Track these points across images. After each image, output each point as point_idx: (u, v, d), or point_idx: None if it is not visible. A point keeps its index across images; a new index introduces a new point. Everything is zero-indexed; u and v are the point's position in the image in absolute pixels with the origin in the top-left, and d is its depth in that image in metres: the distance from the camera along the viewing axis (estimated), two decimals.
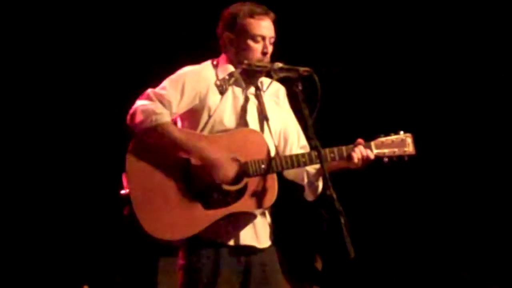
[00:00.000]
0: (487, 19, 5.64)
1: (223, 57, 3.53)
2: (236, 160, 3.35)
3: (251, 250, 3.44)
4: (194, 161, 3.32)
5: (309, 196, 3.58)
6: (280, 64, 3.37)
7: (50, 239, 5.36)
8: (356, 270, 5.29)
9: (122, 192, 3.34)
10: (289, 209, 3.55)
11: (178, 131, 3.35)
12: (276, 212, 3.52)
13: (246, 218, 3.41)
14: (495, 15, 5.62)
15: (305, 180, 3.56)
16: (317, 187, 3.54)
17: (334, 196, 3.07)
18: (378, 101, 5.72)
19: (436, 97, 5.77)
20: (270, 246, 3.51)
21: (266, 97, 3.54)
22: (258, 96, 3.51)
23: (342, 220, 3.00)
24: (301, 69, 3.29)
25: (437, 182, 5.72)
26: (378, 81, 5.75)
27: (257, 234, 3.45)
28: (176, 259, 4.71)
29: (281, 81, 3.48)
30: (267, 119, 3.48)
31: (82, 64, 5.41)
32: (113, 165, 3.59)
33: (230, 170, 3.33)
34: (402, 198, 5.74)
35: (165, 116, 3.32)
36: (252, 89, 3.52)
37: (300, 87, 3.27)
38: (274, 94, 3.60)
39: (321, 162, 3.22)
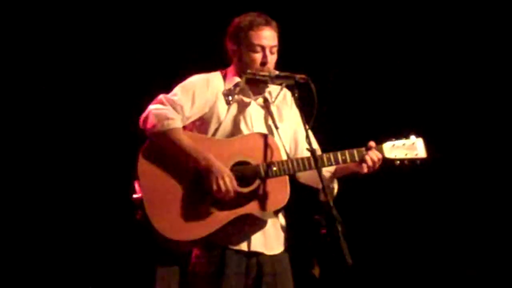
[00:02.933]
0: (484, 20, 5.64)
1: (231, 68, 3.56)
2: (247, 163, 3.39)
3: (261, 257, 3.45)
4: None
5: (323, 198, 3.57)
6: (276, 72, 3.40)
7: (48, 246, 5.34)
8: (354, 278, 5.27)
9: (134, 196, 3.34)
10: (286, 217, 3.54)
11: (187, 139, 3.37)
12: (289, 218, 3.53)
13: (256, 224, 3.44)
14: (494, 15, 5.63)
15: (321, 183, 3.57)
16: (333, 189, 3.56)
17: (331, 203, 3.07)
18: (383, 105, 5.71)
19: (438, 99, 5.76)
20: (281, 253, 3.53)
21: (274, 106, 3.57)
22: (267, 107, 3.54)
23: (339, 228, 2.99)
24: (298, 76, 3.31)
25: (434, 191, 5.70)
26: (383, 83, 5.74)
27: (266, 240, 3.48)
28: (174, 268, 4.71)
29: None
30: (276, 128, 3.51)
31: (93, 71, 5.40)
32: (117, 174, 3.61)
33: (230, 181, 3.33)
34: (400, 205, 5.73)
35: (176, 122, 3.35)
36: (260, 100, 3.55)
37: (296, 94, 3.30)
38: (283, 100, 3.63)
39: (318, 169, 3.22)
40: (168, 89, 3.51)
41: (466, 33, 5.66)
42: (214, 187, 3.30)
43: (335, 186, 3.58)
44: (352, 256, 2.98)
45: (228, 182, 3.31)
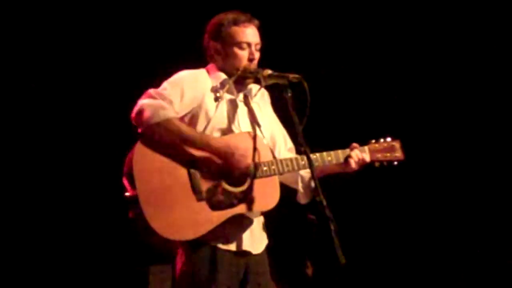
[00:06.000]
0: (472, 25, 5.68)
1: (211, 66, 3.54)
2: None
3: (247, 256, 3.46)
4: (201, 158, 3.33)
5: (302, 199, 3.63)
6: (269, 71, 3.39)
7: (39, 245, 5.33)
8: (347, 277, 5.29)
9: (127, 194, 3.30)
10: (279, 215, 3.54)
11: (185, 125, 3.36)
12: (268, 218, 3.53)
13: (245, 224, 3.44)
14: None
15: (300, 184, 3.61)
16: (312, 190, 3.56)
17: (324, 202, 3.06)
18: (361, 105, 5.74)
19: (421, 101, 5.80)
20: (263, 252, 3.53)
21: (254, 103, 3.57)
22: (247, 103, 3.53)
23: (332, 227, 3.00)
24: (291, 75, 3.30)
25: (426, 189, 5.72)
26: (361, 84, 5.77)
27: (253, 240, 3.48)
28: (167, 267, 4.70)
29: (270, 87, 3.48)
30: (259, 126, 3.50)
31: (80, 70, 5.41)
32: (107, 172, 3.59)
33: (243, 156, 3.34)
34: (392, 204, 5.75)
35: (171, 112, 3.33)
36: (240, 96, 3.54)
37: (289, 94, 3.27)
38: (261, 98, 3.63)
39: (311, 168, 3.21)
40: (153, 86, 3.47)
41: (445, 38, 5.71)
42: (235, 163, 3.32)
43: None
44: (345, 255, 2.98)
45: (243, 155, 3.33)
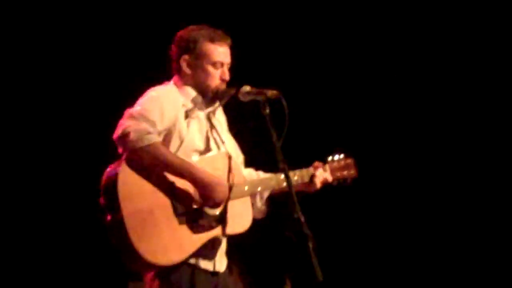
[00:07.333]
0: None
1: (177, 79, 3.52)
2: None
3: (219, 275, 3.47)
4: (182, 183, 3.32)
5: (257, 215, 3.63)
6: (247, 88, 3.37)
7: (16, 260, 5.28)
8: None
9: (109, 218, 3.25)
10: (257, 233, 3.54)
11: (170, 153, 3.33)
12: (245, 236, 3.53)
13: (217, 244, 3.44)
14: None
15: (257, 199, 3.62)
16: (268, 207, 3.64)
17: (302, 219, 3.05)
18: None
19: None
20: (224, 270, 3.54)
21: (215, 119, 3.58)
22: (210, 120, 3.54)
23: (310, 244, 2.99)
24: (269, 92, 3.29)
25: (405, 202, 5.74)
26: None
27: (221, 259, 3.49)
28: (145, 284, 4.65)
29: (248, 104, 3.45)
30: (223, 142, 3.53)
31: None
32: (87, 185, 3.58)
33: (223, 190, 3.35)
34: (369, 219, 5.76)
35: (156, 136, 3.30)
36: (207, 113, 3.54)
37: (267, 110, 3.25)
38: (219, 112, 3.63)
39: (289, 186, 3.19)
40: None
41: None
42: (213, 195, 3.31)
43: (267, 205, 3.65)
44: (322, 272, 2.98)
45: (224, 190, 3.34)
